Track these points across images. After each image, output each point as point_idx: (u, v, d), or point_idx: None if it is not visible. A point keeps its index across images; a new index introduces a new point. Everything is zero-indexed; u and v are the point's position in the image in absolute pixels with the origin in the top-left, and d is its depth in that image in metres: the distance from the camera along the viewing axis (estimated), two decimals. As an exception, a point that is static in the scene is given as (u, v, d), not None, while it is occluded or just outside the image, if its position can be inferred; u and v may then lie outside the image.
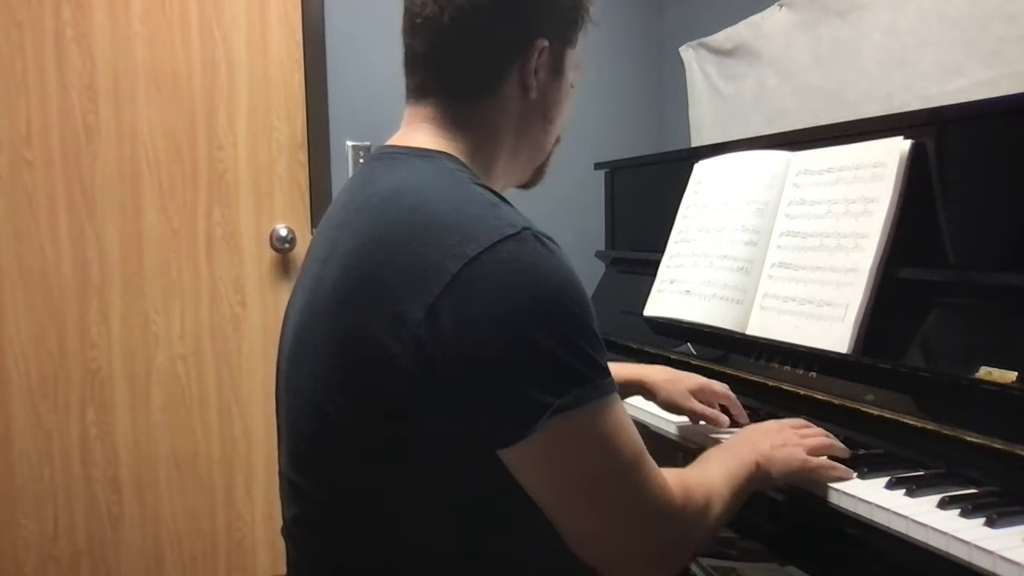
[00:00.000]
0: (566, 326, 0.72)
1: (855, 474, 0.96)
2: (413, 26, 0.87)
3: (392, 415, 0.74)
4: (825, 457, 0.97)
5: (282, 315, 0.94)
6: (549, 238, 0.76)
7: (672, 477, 0.80)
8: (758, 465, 0.92)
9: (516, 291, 0.71)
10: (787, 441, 0.98)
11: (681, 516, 0.79)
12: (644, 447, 0.77)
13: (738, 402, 1.21)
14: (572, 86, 0.95)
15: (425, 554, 0.78)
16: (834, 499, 0.93)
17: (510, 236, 0.72)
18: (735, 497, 0.87)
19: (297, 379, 0.84)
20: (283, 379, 0.89)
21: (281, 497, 0.92)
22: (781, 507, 1.01)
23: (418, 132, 0.87)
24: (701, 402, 1.20)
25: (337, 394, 0.76)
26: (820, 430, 1.03)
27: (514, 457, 0.73)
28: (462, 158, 0.86)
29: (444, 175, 0.81)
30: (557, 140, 0.97)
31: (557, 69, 0.91)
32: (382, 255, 0.75)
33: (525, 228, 0.74)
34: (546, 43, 0.87)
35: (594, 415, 0.73)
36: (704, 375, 1.24)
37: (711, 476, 0.86)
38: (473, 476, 0.76)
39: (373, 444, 0.76)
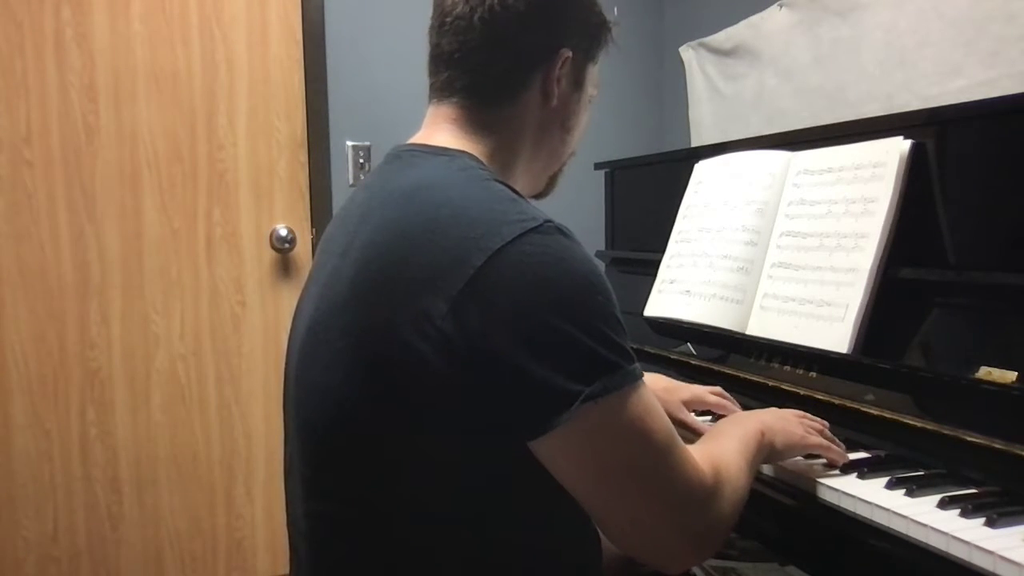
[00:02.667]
0: (593, 315, 0.73)
1: (848, 459, 0.98)
2: (442, 25, 0.88)
3: (413, 411, 0.74)
4: (823, 439, 1.00)
5: (282, 315, 0.94)
6: (569, 231, 0.77)
7: (699, 455, 0.79)
8: (762, 434, 0.93)
9: (543, 282, 0.71)
10: (788, 419, 1.01)
11: (714, 494, 0.78)
12: (674, 430, 0.77)
13: (731, 408, 1.21)
14: (590, 101, 0.97)
15: (427, 557, 0.78)
16: (834, 499, 0.93)
17: (533, 229, 0.73)
18: (751, 468, 0.88)
19: (310, 374, 0.83)
20: (293, 373, 0.88)
21: (288, 493, 0.91)
22: (781, 507, 1.01)
23: (440, 132, 0.88)
24: (692, 412, 1.22)
25: (354, 389, 0.76)
26: (821, 421, 1.05)
27: (546, 447, 0.73)
28: (482, 159, 0.86)
29: (465, 172, 0.82)
30: (572, 153, 1.00)
31: (578, 81, 0.93)
32: (404, 249, 0.75)
33: (547, 221, 0.75)
34: (570, 53, 0.89)
35: (624, 401, 0.73)
36: (704, 375, 1.24)
37: (729, 450, 0.86)
38: (476, 482, 0.76)
39: (389, 441, 0.75)
